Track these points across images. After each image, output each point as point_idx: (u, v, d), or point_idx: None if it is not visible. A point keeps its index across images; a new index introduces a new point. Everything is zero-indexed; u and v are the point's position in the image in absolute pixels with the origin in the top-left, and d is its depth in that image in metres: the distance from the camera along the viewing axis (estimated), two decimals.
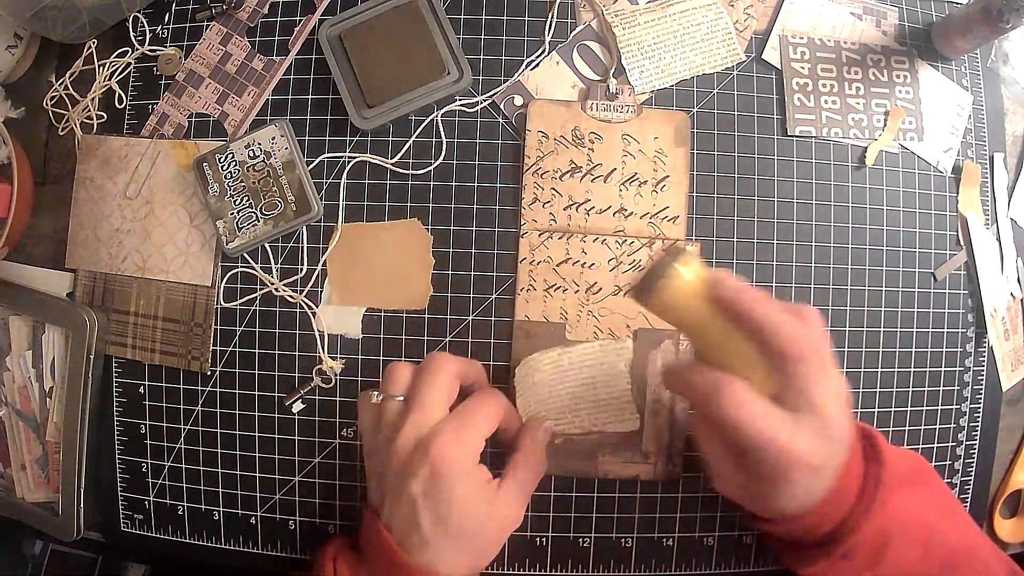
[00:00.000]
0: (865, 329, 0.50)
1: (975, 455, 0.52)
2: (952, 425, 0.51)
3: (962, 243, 0.52)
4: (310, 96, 0.51)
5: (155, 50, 0.53)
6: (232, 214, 0.50)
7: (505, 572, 0.49)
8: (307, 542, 0.50)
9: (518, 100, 0.51)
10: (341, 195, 0.51)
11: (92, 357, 0.51)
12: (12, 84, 0.55)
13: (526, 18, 0.51)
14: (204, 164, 0.50)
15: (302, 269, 0.50)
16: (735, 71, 0.51)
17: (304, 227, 0.50)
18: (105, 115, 0.53)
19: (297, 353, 0.50)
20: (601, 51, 0.51)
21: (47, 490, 0.53)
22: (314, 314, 0.50)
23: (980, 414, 0.52)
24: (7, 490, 0.54)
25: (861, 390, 0.50)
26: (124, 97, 0.53)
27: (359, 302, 0.50)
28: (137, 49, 0.53)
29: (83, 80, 0.53)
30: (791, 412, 0.36)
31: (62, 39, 0.51)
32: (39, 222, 0.54)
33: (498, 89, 0.50)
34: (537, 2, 0.51)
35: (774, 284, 0.50)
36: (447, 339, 0.50)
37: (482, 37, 0.51)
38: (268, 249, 0.51)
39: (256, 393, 0.51)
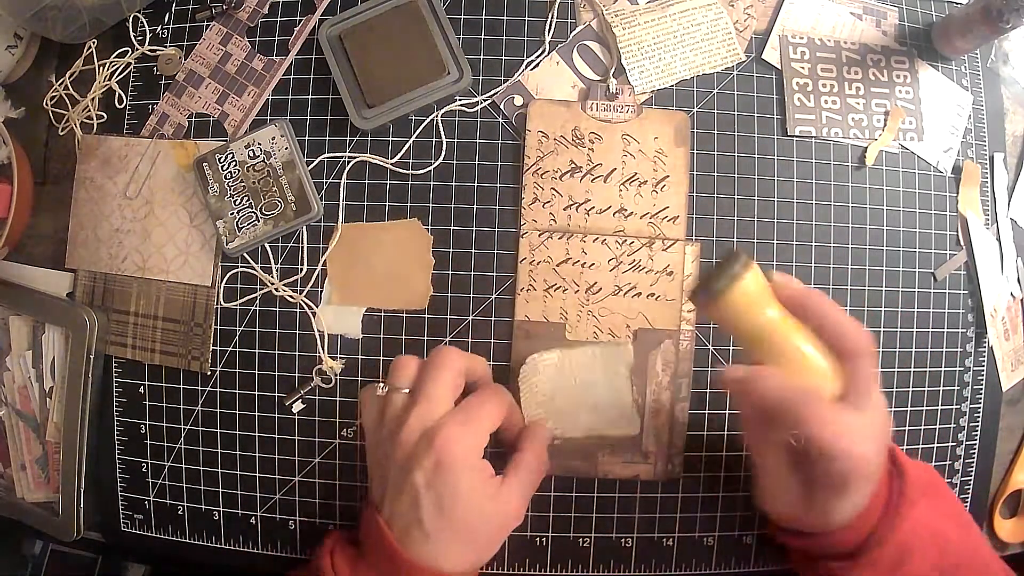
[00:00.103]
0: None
1: (975, 455, 0.52)
2: (952, 425, 0.51)
3: (962, 243, 0.52)
4: (310, 96, 0.51)
5: (155, 50, 0.53)
6: (232, 214, 0.50)
7: (505, 572, 0.49)
8: (307, 542, 0.50)
9: (518, 100, 0.51)
10: (341, 195, 0.51)
11: (92, 357, 0.51)
12: (12, 84, 0.55)
13: (526, 18, 0.51)
14: (204, 164, 0.50)
15: (302, 269, 0.50)
16: (735, 71, 0.51)
17: (304, 227, 0.50)
18: (105, 115, 0.53)
19: (297, 353, 0.50)
20: (601, 51, 0.51)
21: (47, 490, 0.53)
22: (314, 314, 0.50)
23: (980, 414, 0.52)
24: (7, 490, 0.54)
25: None
26: (124, 97, 0.53)
27: (359, 302, 0.50)
28: (137, 49, 0.53)
29: (83, 80, 0.53)
30: (858, 413, 0.37)
31: (62, 39, 0.51)
32: (39, 222, 0.54)
33: (498, 89, 0.50)
34: (537, 2, 0.51)
35: None
36: (447, 339, 0.50)
37: (482, 37, 0.51)
38: (268, 249, 0.51)
39: (256, 393, 0.51)
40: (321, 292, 0.51)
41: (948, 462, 0.51)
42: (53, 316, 0.52)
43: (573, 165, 0.50)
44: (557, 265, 0.49)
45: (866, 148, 0.51)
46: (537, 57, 0.51)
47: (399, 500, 0.39)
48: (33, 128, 0.54)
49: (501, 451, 0.45)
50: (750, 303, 0.38)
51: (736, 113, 0.51)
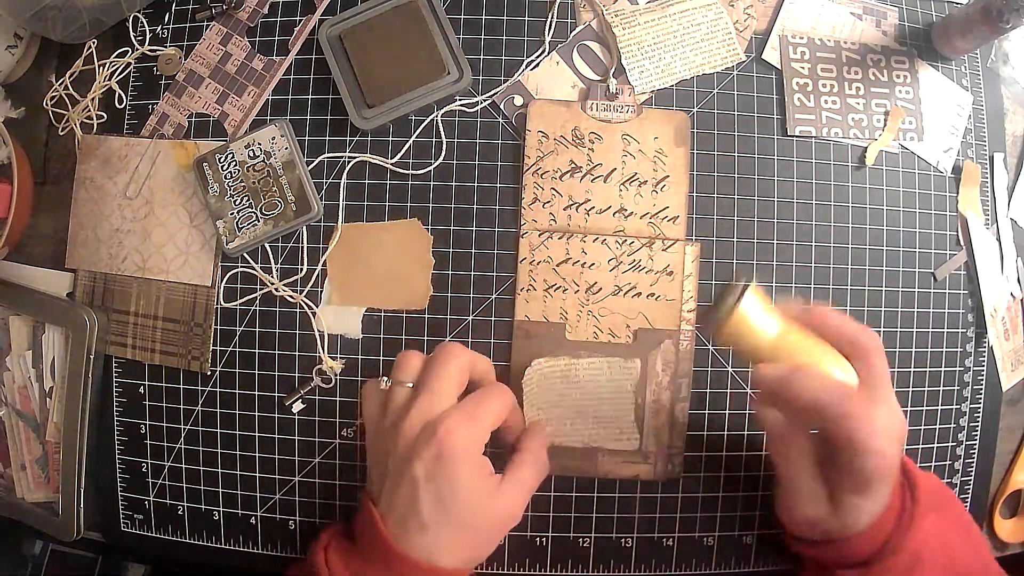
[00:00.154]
0: None
1: (975, 455, 0.52)
2: (952, 425, 0.51)
3: (962, 243, 0.52)
4: (310, 96, 0.51)
5: (155, 50, 0.53)
6: (232, 214, 0.50)
7: (505, 572, 0.49)
8: (307, 542, 0.50)
9: (518, 100, 0.51)
10: (341, 195, 0.51)
11: (92, 357, 0.51)
12: (12, 84, 0.55)
13: (526, 18, 0.51)
14: (204, 164, 0.50)
15: (302, 269, 0.50)
16: (735, 71, 0.51)
17: (304, 227, 0.50)
18: (105, 115, 0.53)
19: (297, 353, 0.50)
20: (601, 51, 0.51)
21: (47, 490, 0.53)
22: (314, 314, 0.50)
23: (980, 414, 0.52)
24: (7, 490, 0.54)
25: None
26: (124, 97, 0.53)
27: (359, 302, 0.50)
28: (137, 49, 0.53)
29: (83, 80, 0.53)
30: (884, 410, 0.38)
31: (62, 39, 0.51)
32: (39, 222, 0.54)
33: (498, 89, 0.50)
34: (537, 2, 0.51)
35: (774, 284, 0.50)
36: (447, 339, 0.50)
37: (482, 37, 0.51)
38: (268, 249, 0.51)
39: (256, 393, 0.51)
40: (321, 292, 0.51)
41: (948, 462, 0.51)
42: (53, 316, 0.52)
43: (573, 165, 0.50)
44: (557, 265, 0.49)
45: (866, 148, 0.51)
46: (537, 57, 0.51)
47: (397, 492, 0.39)
48: (33, 128, 0.54)
49: (501, 451, 0.45)
50: (753, 328, 0.40)
51: (736, 113, 0.51)
